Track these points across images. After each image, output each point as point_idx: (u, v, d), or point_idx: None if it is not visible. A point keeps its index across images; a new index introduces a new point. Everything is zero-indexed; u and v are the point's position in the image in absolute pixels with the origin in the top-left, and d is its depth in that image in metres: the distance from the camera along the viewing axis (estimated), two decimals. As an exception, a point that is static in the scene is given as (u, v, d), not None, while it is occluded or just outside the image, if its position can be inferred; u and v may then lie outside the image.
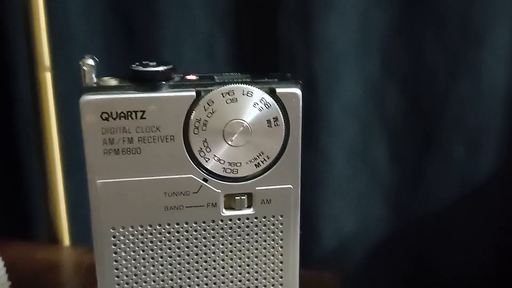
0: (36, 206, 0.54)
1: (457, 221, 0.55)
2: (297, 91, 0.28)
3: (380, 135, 0.54)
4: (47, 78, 0.51)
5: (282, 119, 0.29)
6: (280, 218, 0.30)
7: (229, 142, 0.28)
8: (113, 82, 0.28)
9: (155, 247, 0.29)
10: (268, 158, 0.29)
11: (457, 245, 0.56)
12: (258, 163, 0.29)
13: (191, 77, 0.29)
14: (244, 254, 0.30)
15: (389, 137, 0.54)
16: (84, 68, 0.29)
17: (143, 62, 0.29)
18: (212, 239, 0.30)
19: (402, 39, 0.51)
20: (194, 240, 0.30)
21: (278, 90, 0.28)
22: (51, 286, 0.46)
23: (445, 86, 0.51)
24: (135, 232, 0.29)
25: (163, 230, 0.29)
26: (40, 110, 0.52)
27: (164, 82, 0.28)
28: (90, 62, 0.29)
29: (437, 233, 0.56)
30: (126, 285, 0.30)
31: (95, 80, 0.29)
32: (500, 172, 0.53)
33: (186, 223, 0.29)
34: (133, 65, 0.28)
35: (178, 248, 0.30)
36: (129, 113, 0.27)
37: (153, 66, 0.28)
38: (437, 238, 0.56)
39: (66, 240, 0.54)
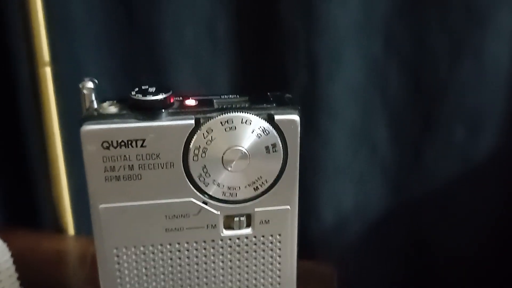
0: (41, 197, 0.56)
1: (456, 200, 0.56)
2: (296, 117, 0.29)
3: (381, 116, 0.54)
4: (47, 71, 0.50)
5: (281, 145, 0.29)
6: (278, 237, 0.31)
7: (228, 168, 0.29)
8: (112, 109, 0.28)
9: (157, 265, 0.31)
10: (266, 182, 0.30)
11: (456, 225, 0.57)
12: (257, 186, 0.30)
13: (190, 101, 0.29)
14: (243, 270, 0.32)
15: (390, 118, 0.54)
16: (84, 91, 0.29)
17: (142, 87, 0.29)
18: (212, 257, 0.31)
19: (404, 20, 0.50)
20: (195, 259, 0.31)
21: (276, 117, 0.28)
22: (58, 275, 0.48)
23: (447, 68, 0.51)
24: (137, 252, 0.30)
25: (164, 250, 0.30)
26: (41, 103, 0.52)
27: (163, 110, 0.28)
28: (90, 85, 0.29)
29: (436, 212, 0.57)
30: (130, 300, 0.31)
31: (95, 103, 0.29)
32: (499, 153, 0.53)
33: (187, 243, 0.30)
34: (132, 93, 0.28)
35: (180, 265, 0.31)
36: (129, 142, 0.28)
37: (152, 94, 0.28)
38: (436, 217, 0.57)
39: (71, 230, 0.55)
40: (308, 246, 0.58)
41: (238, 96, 0.30)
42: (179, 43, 0.52)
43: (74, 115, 0.50)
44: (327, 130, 0.53)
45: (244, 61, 0.53)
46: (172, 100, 0.29)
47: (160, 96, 0.28)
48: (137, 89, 0.29)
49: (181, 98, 0.30)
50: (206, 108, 0.29)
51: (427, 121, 0.53)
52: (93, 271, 0.47)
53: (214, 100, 0.30)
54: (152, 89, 0.29)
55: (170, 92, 0.28)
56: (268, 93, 0.31)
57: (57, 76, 0.51)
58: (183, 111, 0.28)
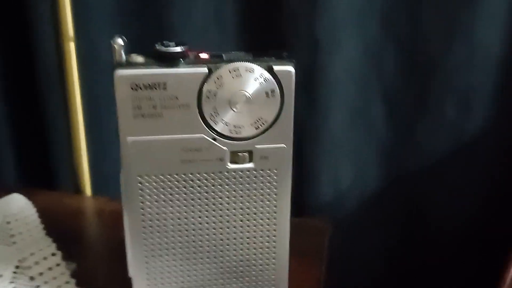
0: (62, 161, 0.60)
1: (447, 173, 0.59)
2: (291, 69, 0.35)
3: (377, 94, 0.58)
4: (71, 45, 0.56)
5: (278, 91, 0.35)
6: (275, 171, 0.37)
7: (234, 109, 0.35)
8: (139, 59, 0.35)
9: (173, 192, 0.37)
10: (266, 122, 0.36)
11: (448, 195, 0.60)
12: (258, 126, 0.36)
13: (203, 55, 0.35)
14: (245, 199, 0.37)
15: (385, 96, 0.58)
16: (115, 46, 0.35)
17: (164, 42, 0.35)
18: (219, 187, 0.37)
19: (400, 4, 0.54)
20: (205, 187, 0.37)
21: (275, 68, 0.35)
22: (79, 229, 0.53)
23: (440, 49, 0.54)
24: (157, 180, 0.36)
25: (180, 179, 0.36)
26: (65, 74, 0.57)
27: (181, 60, 0.34)
28: (120, 41, 0.35)
29: (428, 185, 0.60)
30: (150, 222, 0.37)
31: (124, 57, 0.35)
32: (487, 130, 0.57)
33: (199, 173, 0.36)
34: (156, 45, 0.34)
35: (192, 193, 0.37)
36: (153, 85, 0.34)
37: (172, 47, 0.34)
38: (428, 190, 0.61)
39: (88, 191, 0.61)
40: (306, 216, 0.62)
41: (243, 52, 0.36)
42: (188, 26, 0.57)
43: (95, 88, 0.56)
44: (325, 105, 0.57)
45: (250, 42, 0.57)
46: (188, 53, 0.35)
47: (179, 48, 0.34)
48: (159, 43, 0.35)
49: (195, 52, 0.36)
50: (216, 59, 0.35)
51: (420, 99, 0.57)
52: (109, 224, 0.53)
53: (223, 54, 0.36)
54: (172, 43, 0.35)
55: (187, 46, 0.35)
56: (269, 51, 0.37)
57: (79, 50, 0.57)
58: (197, 61, 0.35)
